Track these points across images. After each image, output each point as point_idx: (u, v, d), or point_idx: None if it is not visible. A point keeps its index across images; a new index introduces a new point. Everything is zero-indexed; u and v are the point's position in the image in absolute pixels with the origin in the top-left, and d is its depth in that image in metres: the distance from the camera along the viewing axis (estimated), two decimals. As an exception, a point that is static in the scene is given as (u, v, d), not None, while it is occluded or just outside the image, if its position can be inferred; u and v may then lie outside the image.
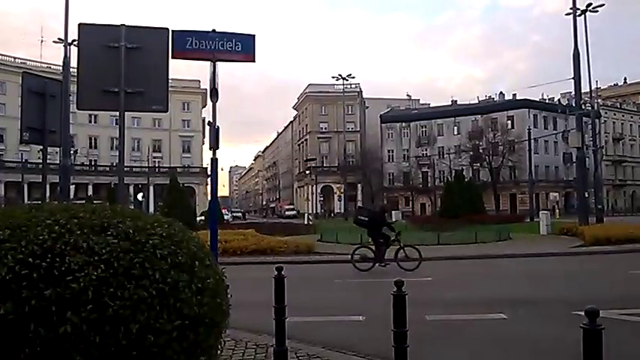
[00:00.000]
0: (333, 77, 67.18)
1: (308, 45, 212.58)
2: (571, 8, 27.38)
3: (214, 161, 5.35)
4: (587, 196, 26.58)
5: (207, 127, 5.52)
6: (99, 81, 5.56)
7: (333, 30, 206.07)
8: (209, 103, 5.74)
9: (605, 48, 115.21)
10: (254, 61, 5.58)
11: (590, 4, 29.37)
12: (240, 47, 5.45)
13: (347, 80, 67.24)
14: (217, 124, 5.31)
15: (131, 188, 64.79)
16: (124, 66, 5.46)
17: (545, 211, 28.84)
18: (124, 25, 5.61)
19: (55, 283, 2.90)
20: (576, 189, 38.45)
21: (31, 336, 2.78)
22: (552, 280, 11.64)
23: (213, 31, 5.38)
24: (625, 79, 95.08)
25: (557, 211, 51.68)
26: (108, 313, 2.93)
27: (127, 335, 2.94)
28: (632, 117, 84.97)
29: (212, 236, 5.21)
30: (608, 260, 15.39)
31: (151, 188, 63.27)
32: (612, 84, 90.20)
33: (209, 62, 5.41)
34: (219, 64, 5.61)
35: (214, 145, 5.28)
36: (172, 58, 5.40)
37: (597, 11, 30.02)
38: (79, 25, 5.64)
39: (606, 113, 76.52)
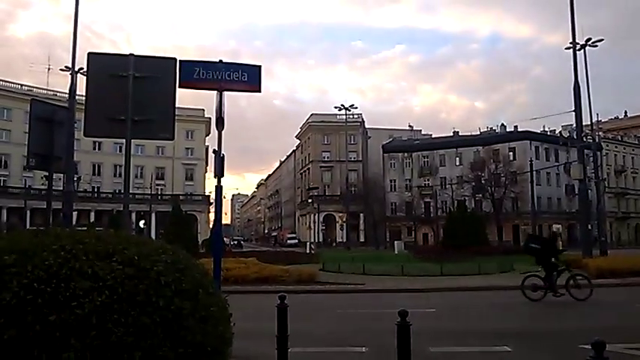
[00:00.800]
0: (336, 107, 68.03)
1: (311, 76, 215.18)
2: (571, 43, 27.80)
3: (219, 189, 5.38)
4: (590, 228, 26.45)
5: (211, 156, 5.57)
6: (106, 109, 5.64)
7: (336, 62, 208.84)
8: (213, 131, 5.81)
9: (606, 81, 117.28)
10: (259, 91, 5.68)
11: (589, 39, 29.82)
12: (246, 77, 5.55)
13: (349, 110, 67.92)
14: (222, 152, 5.37)
15: (133, 215, 64.75)
16: (132, 95, 5.55)
17: (549, 243, 28.60)
18: (132, 54, 5.72)
19: (60, 308, 2.90)
20: (579, 221, 38.29)
21: (33, 362, 2.77)
22: (557, 312, 11.51)
23: (220, 61, 5.49)
24: (625, 112, 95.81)
25: (560, 243, 51.22)
26: (111, 340, 2.92)
27: (130, 363, 2.93)
28: (633, 150, 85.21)
29: (215, 264, 5.19)
30: (614, 293, 15.21)
31: (153, 215, 63.24)
32: (613, 117, 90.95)
33: (215, 92, 5.51)
34: (224, 93, 5.70)
35: (219, 173, 5.31)
36: (180, 87, 5.50)
37: (597, 46, 30.47)
38: (89, 54, 5.76)
39: (607, 146, 76.83)
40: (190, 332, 3.35)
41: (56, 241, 3.40)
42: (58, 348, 2.82)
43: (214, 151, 5.40)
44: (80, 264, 3.16)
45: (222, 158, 5.33)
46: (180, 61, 5.47)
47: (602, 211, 34.05)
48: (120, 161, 74.41)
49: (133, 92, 5.55)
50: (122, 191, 78.41)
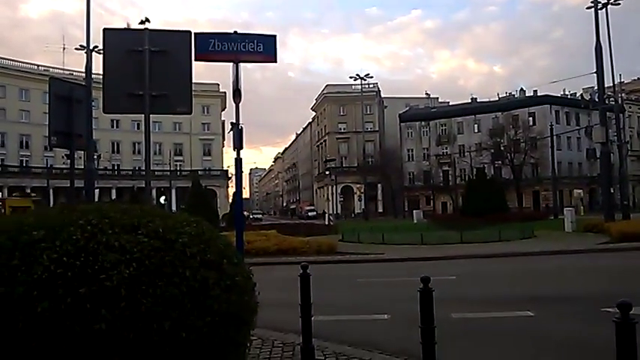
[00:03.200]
0: (351, 77, 67.23)
1: (326, 46, 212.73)
2: (592, 1, 26.96)
3: (239, 161, 5.40)
4: (612, 192, 26.07)
5: (227, 129, 5.57)
6: (124, 85, 5.66)
7: (351, 30, 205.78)
8: (229, 106, 5.83)
9: (628, 41, 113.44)
10: (275, 61, 5.62)
11: (612, -3, 28.80)
12: (261, 48, 5.50)
13: (365, 80, 67.22)
14: (240, 124, 5.37)
15: (153, 192, 65.59)
16: (149, 69, 5.55)
17: (570, 208, 28.38)
18: (147, 29, 5.70)
19: (89, 281, 2.97)
20: (601, 185, 37.72)
21: (67, 333, 2.84)
22: (579, 277, 11.45)
23: (235, 32, 5.44)
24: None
25: (582, 207, 50.74)
26: (141, 310, 2.99)
27: (160, 332, 2.99)
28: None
29: (238, 235, 5.25)
30: (637, 256, 15.07)
31: (173, 191, 64.01)
32: (636, 78, 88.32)
33: (231, 63, 5.47)
34: (240, 64, 5.66)
35: (238, 146, 5.33)
36: (195, 60, 5.49)
37: (619, 4, 29.43)
38: (104, 30, 5.75)
39: (630, 108, 74.98)
40: (216, 301, 3.41)
41: (82, 216, 3.45)
42: (89, 319, 2.89)
43: (232, 124, 5.40)
44: (107, 237, 3.22)
45: (241, 130, 5.33)
46: (195, 33, 5.44)
47: (625, 175, 33.41)
48: (138, 138, 75.09)
49: (150, 67, 5.55)
50: (142, 168, 79.06)
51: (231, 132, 5.39)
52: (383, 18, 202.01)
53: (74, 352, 2.86)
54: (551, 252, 16.52)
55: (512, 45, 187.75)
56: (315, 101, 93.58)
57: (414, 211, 51.84)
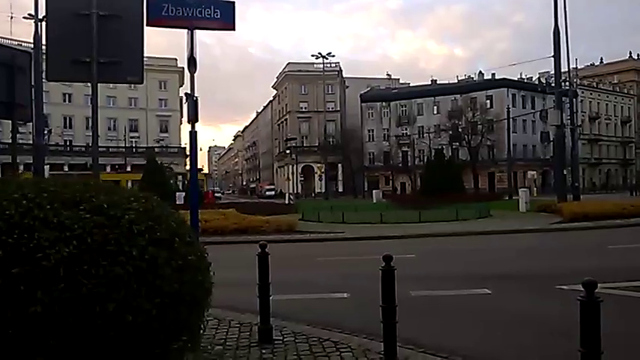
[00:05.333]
0: (313, 56, 66.54)
1: (288, 23, 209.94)
2: (551, -14, 27.35)
3: (193, 135, 5.10)
4: (565, 174, 26.87)
5: (184, 101, 5.24)
6: (69, 51, 5.24)
7: (313, 7, 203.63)
8: (187, 81, 5.46)
9: (583, 29, 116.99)
10: (234, 29, 5.31)
11: (570, -18, 29.29)
12: (219, 14, 5.17)
13: (327, 59, 66.72)
14: (195, 95, 5.07)
15: (108, 169, 63.81)
16: (96, 34, 5.15)
17: (524, 189, 29.14)
18: (95, -10, 5.28)
19: (24, 260, 2.72)
20: (554, 167, 38.74)
21: (-3, 317, 2.59)
22: (534, 255, 11.72)
23: (191, -3, 5.11)
24: (601, 59, 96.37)
25: (535, 189, 52.32)
26: (82, 292, 2.76)
27: (104, 315, 2.78)
28: (607, 96, 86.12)
29: (192, 213, 4.98)
30: (587, 236, 15.60)
31: (128, 169, 62.32)
32: (589, 64, 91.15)
33: (186, 30, 5.13)
34: (197, 34, 5.35)
35: (193, 118, 5.02)
36: (147, 25, 5.10)
37: (577, -11, 30.03)
38: (47, -9, 5.30)
39: (583, 93, 77.38)
40: (167, 282, 3.21)
41: (18, 189, 3.16)
42: (23, 302, 2.65)
43: (186, 94, 5.07)
44: (45, 213, 2.96)
45: (196, 102, 5.02)
46: (147, -4, 5.08)
47: (576, 158, 34.47)
48: (88, 113, 72.27)
49: (98, 32, 5.14)
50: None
51: (186, 104, 5.09)
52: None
53: (6, 338, 2.61)
54: (507, 231, 16.90)
55: (474, 28, 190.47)
56: (276, 79, 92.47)
57: (374, 191, 52.27)
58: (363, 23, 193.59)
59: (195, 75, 5.36)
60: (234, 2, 5.28)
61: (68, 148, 69.36)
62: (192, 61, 5.08)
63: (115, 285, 2.92)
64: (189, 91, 5.15)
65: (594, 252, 11.93)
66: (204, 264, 3.74)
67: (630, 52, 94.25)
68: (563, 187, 26.52)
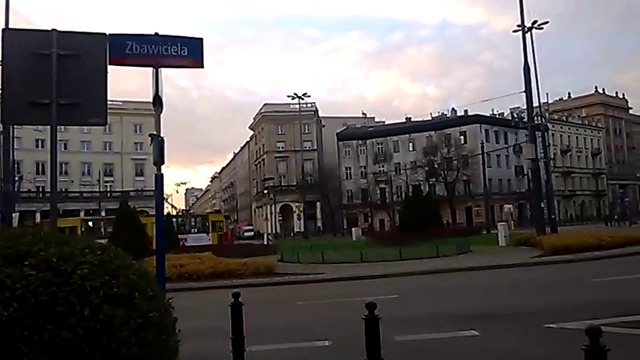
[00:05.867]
0: (289, 96, 67.08)
1: (264, 65, 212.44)
2: (518, 25, 28.24)
3: (159, 178, 4.79)
4: (542, 206, 27.03)
5: (150, 142, 4.94)
6: (27, 92, 4.94)
7: (289, 50, 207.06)
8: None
9: (550, 64, 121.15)
10: (202, 66, 5.07)
11: (535, 21, 30.26)
12: (186, 52, 4.94)
13: (303, 99, 67.22)
14: (162, 136, 4.78)
15: (82, 214, 62.38)
16: (56, 75, 4.87)
17: (503, 223, 29.16)
18: (55, 30, 5.02)
19: (-48, 328, 2.35)
20: (530, 200, 39.04)
21: None
22: (519, 292, 11.47)
23: (156, 34, 4.87)
24: (569, 93, 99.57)
25: (512, 222, 52.67)
26: (20, 362, 2.39)
27: (47, 389, 2.41)
28: (577, 130, 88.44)
29: (159, 261, 4.62)
30: (570, 269, 15.45)
31: (103, 214, 60.95)
32: (558, 98, 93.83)
33: (151, 69, 4.88)
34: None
35: (159, 160, 4.72)
36: (110, 64, 4.83)
37: (542, 28, 30.99)
38: (3, 30, 5.04)
39: (554, 127, 79.32)
40: (124, 344, 2.86)
41: (-47, 244, 2.81)
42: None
43: (151, 135, 4.79)
44: (-19, 271, 2.60)
45: (162, 142, 4.73)
46: (110, 35, 4.84)
47: (551, 190, 34.89)
48: (64, 158, 71.35)
49: (58, 72, 4.86)
50: (70, 189, 74.66)
51: (152, 145, 4.78)
52: (320, 39, 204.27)
53: None
54: (488, 266, 16.68)
55: (444, 66, 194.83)
56: (252, 120, 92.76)
57: (353, 229, 51.94)
58: (338, 64, 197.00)
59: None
60: (202, 39, 5.07)
61: (40, 195, 67.70)
62: (157, 100, 4.81)
63: (62, 351, 2.57)
64: (153, 131, 4.86)
65: (579, 286, 11.74)
66: (168, 320, 3.38)
67: (596, 87, 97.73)
68: (541, 220, 26.62)
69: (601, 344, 2.61)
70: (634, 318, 7.31)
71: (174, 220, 44.67)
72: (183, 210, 62.84)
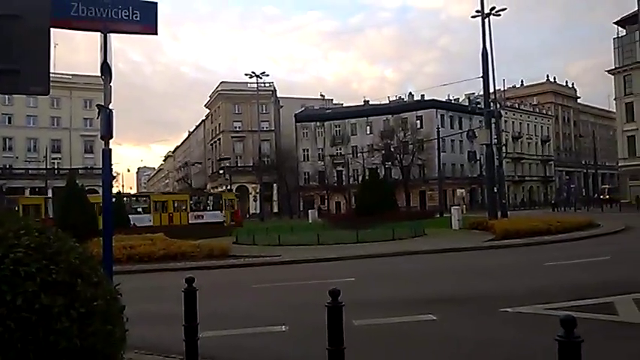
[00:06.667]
0: (247, 75, 65.80)
1: (221, 42, 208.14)
2: (477, 11, 28.54)
3: (106, 152, 4.41)
4: (495, 191, 27.63)
5: (97, 115, 4.53)
6: (-40, 56, 4.44)
7: (247, 27, 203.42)
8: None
9: (504, 52, 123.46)
10: (156, 33, 4.67)
11: (494, 8, 30.63)
12: (138, 16, 4.52)
13: (260, 78, 66.08)
14: (111, 108, 4.38)
15: (27, 192, 59.85)
16: (-8, 38, 4.40)
17: (457, 207, 29.70)
18: (-10, -13, 4.53)
19: None
20: (483, 185, 39.83)
21: None
22: (474, 275, 11.59)
23: (106, -4, 4.45)
24: (522, 81, 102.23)
25: (464, 206, 53.90)
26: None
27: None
28: (528, 117, 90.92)
29: (106, 244, 4.27)
30: (522, 253, 15.82)
31: (50, 192, 58.61)
32: (511, 86, 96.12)
33: (99, 33, 4.47)
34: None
35: (106, 133, 4.34)
36: (52, 27, 4.38)
37: (500, 15, 31.41)
38: None
39: (506, 113, 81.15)
40: (64, 336, 2.58)
41: None
42: None
43: (99, 106, 4.39)
44: None
45: (110, 114, 4.34)
46: (53, -6, 4.39)
47: (503, 176, 35.75)
48: (9, 133, 67.96)
49: (-6, 35, 4.39)
50: (13, 166, 71.31)
51: (99, 118, 4.39)
52: (280, 17, 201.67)
53: None
54: (443, 250, 16.90)
55: (403, 50, 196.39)
56: (209, 98, 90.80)
57: (309, 211, 51.99)
58: (296, 44, 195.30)
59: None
60: (156, 3, 4.65)
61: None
62: (106, 68, 4.41)
63: (-11, 347, 2.26)
64: (102, 103, 4.46)
65: (532, 270, 11.99)
66: (115, 308, 3.09)
67: (547, 76, 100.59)
68: (494, 205, 27.23)
69: (575, 335, 2.51)
70: (586, 302, 7.45)
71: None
72: (200, 189, 63.76)
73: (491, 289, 9.53)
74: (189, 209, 41.95)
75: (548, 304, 7.46)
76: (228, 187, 64.32)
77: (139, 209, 40.16)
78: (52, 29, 4.52)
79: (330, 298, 3.69)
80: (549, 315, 6.83)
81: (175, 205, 42.51)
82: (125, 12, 4.49)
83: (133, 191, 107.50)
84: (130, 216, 32.22)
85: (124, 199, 36.82)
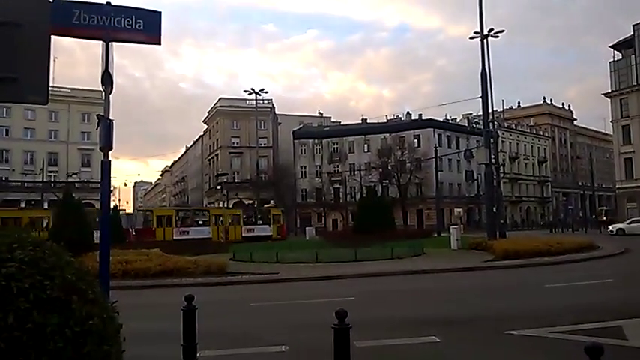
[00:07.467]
0: (246, 91, 65.98)
1: (221, 59, 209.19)
2: (476, 32, 28.75)
3: (106, 165, 4.27)
4: (494, 211, 27.51)
5: (97, 125, 4.39)
6: (-43, 63, 4.32)
7: (247, 45, 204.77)
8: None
9: (501, 74, 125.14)
10: (159, 43, 4.55)
11: (491, 30, 30.89)
12: (141, 25, 4.41)
13: (259, 95, 66.31)
14: (112, 119, 4.26)
15: (23, 205, 59.42)
16: (-9, 45, 4.28)
17: (456, 226, 29.52)
18: (-10, -6, 4.43)
19: None
20: (480, 205, 39.74)
21: None
22: (476, 296, 11.41)
23: (108, 4, 4.34)
24: (519, 102, 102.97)
25: (462, 226, 53.70)
26: None
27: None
28: (525, 138, 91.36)
29: (102, 259, 4.10)
30: (522, 274, 15.66)
31: (45, 205, 58.22)
32: (508, 107, 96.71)
33: (101, 42, 4.34)
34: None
35: (106, 144, 4.21)
36: (54, 34, 4.27)
37: (498, 37, 31.68)
38: None
39: (503, 134, 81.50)
40: (58, 358, 2.41)
41: None
42: None
43: (99, 117, 4.26)
44: None
45: (110, 125, 4.22)
46: (54, 0, 4.28)
47: (501, 196, 35.74)
48: (6, 146, 67.72)
49: (-7, 42, 4.28)
50: (9, 179, 70.87)
51: (98, 129, 4.25)
52: (279, 35, 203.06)
53: None
54: (443, 269, 16.70)
55: (400, 70, 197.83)
56: (207, 114, 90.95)
57: (307, 228, 51.77)
58: (295, 63, 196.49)
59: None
60: (159, 12, 4.55)
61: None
62: (107, 77, 4.28)
63: (-23, 369, 2.10)
64: (102, 114, 4.33)
65: (533, 291, 11.82)
66: (112, 327, 2.93)
67: (544, 97, 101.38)
68: (493, 225, 27.10)
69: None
70: (592, 325, 7.29)
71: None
72: (249, 204, 65.04)
73: (494, 310, 9.35)
74: (242, 223, 44.63)
75: (554, 327, 7.29)
76: (225, 204, 64.01)
77: (200, 222, 43.28)
78: (52, 37, 4.42)
79: (337, 320, 3.53)
80: (557, 339, 6.67)
81: (230, 219, 45.08)
82: (128, 20, 4.38)
83: (129, 206, 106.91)
84: (190, 228, 36.80)
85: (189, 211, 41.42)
